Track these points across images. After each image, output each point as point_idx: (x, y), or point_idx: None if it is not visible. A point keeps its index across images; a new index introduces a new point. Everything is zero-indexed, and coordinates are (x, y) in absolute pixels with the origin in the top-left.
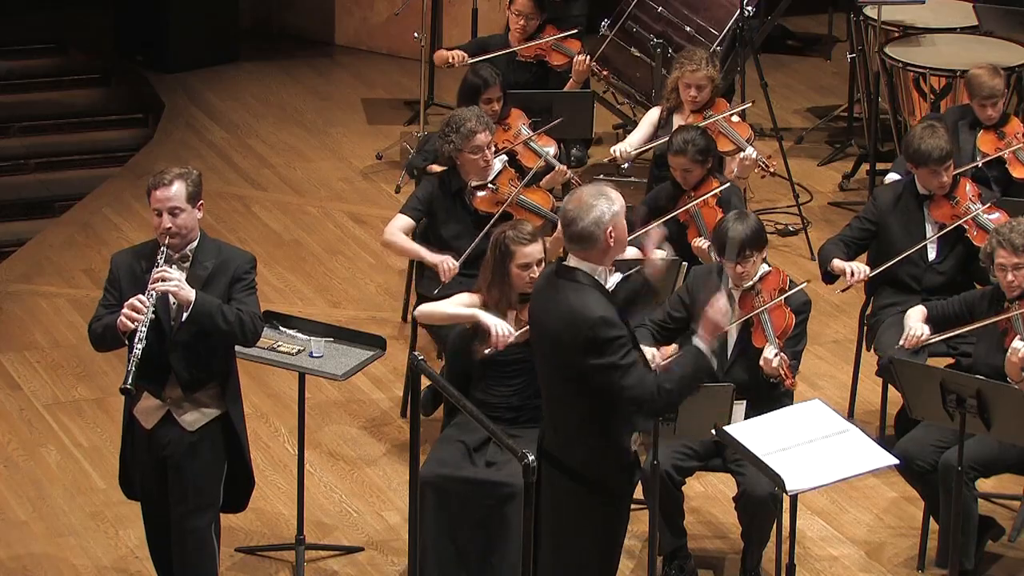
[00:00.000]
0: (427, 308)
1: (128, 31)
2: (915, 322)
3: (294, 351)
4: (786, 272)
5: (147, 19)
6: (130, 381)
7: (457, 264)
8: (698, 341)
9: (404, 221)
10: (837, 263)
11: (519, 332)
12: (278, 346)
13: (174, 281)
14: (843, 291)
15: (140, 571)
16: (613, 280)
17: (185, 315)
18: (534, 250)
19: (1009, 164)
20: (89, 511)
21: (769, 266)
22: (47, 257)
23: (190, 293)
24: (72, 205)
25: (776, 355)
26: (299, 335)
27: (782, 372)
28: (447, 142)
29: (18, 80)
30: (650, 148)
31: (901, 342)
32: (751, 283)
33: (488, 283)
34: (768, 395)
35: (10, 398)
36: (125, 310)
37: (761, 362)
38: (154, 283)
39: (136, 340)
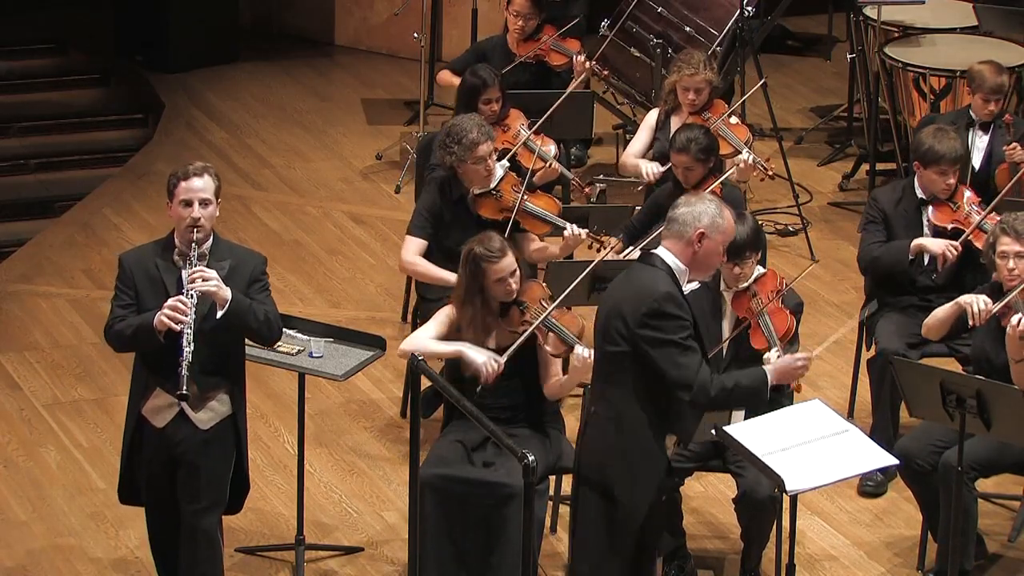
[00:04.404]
0: (410, 347)
1: (128, 31)
2: (968, 297)
3: (294, 351)
4: (783, 275)
5: (147, 19)
6: (185, 386)
7: None
8: (769, 371)
9: (418, 243)
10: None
11: (505, 357)
12: (278, 346)
13: (213, 281)
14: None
15: (140, 571)
16: (690, 287)
17: (220, 313)
18: (506, 264)
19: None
20: (89, 511)
21: (764, 268)
22: (47, 257)
23: (227, 292)
24: (72, 205)
25: (779, 357)
26: (299, 335)
27: None
28: (448, 153)
29: (18, 80)
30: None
31: (973, 322)
32: (746, 284)
33: (460, 302)
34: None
35: (10, 398)
36: (167, 311)
37: (765, 365)
38: (192, 282)
39: (184, 343)
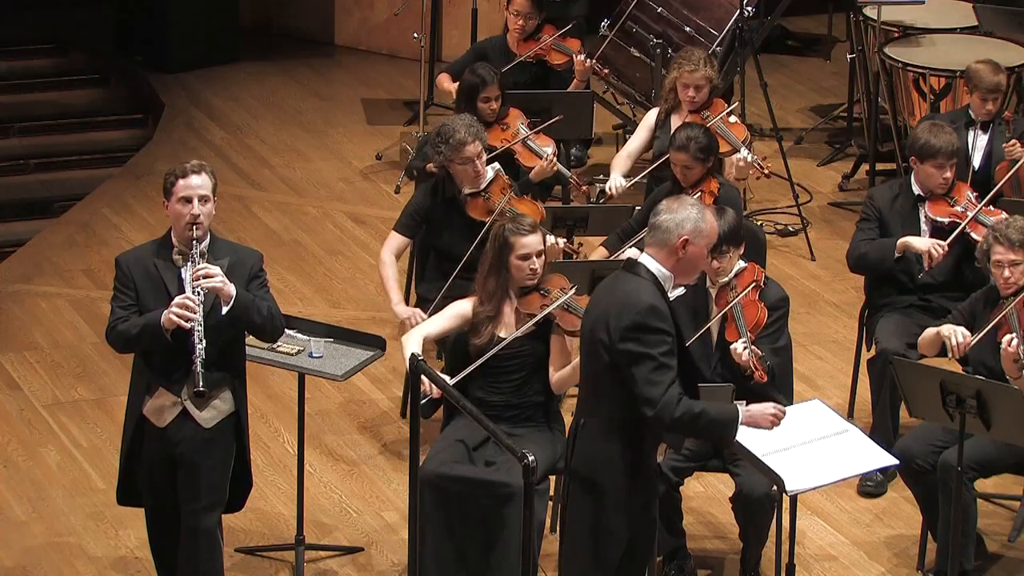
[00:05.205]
0: (404, 342)
1: (128, 31)
2: (948, 330)
3: (294, 351)
4: (762, 270)
5: (147, 19)
6: (202, 383)
7: (426, 316)
8: (743, 411)
9: (398, 240)
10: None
11: (480, 361)
12: (278, 346)
13: (219, 277)
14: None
15: (140, 571)
16: (676, 293)
17: (225, 309)
18: (533, 240)
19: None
20: (89, 511)
21: (745, 262)
22: (47, 257)
23: (231, 287)
24: (72, 205)
25: (745, 347)
26: (299, 335)
27: (752, 364)
28: (436, 152)
29: (18, 80)
30: (635, 181)
31: (951, 355)
32: (727, 279)
33: (484, 275)
34: (746, 388)
35: (10, 398)
36: (176, 309)
37: (732, 355)
38: (197, 280)
39: (196, 340)
